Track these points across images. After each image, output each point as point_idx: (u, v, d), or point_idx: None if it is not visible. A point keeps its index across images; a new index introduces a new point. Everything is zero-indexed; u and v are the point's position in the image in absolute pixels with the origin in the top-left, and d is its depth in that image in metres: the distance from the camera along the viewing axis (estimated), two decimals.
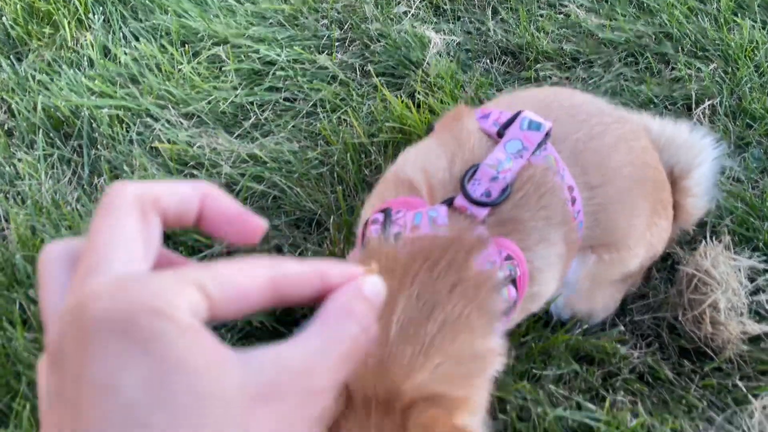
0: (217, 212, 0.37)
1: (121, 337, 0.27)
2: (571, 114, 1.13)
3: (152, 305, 0.28)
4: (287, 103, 1.84)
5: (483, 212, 0.96)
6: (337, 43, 2.00)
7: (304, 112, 1.81)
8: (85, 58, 1.94)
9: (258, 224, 0.38)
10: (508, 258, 0.98)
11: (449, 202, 0.98)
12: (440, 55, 1.94)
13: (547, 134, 1.04)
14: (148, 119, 1.77)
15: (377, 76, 1.88)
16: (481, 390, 0.90)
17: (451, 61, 1.92)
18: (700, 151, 1.33)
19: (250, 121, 1.79)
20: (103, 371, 0.27)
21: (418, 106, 1.76)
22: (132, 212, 0.33)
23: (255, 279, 0.33)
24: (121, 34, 2.01)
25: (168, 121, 1.77)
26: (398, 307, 0.85)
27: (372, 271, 0.37)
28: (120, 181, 0.34)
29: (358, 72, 1.93)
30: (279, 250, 1.49)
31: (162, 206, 0.35)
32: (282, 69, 1.91)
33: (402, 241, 0.93)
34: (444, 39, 2.00)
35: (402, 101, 1.74)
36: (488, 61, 1.97)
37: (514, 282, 0.97)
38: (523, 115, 1.04)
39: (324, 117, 1.77)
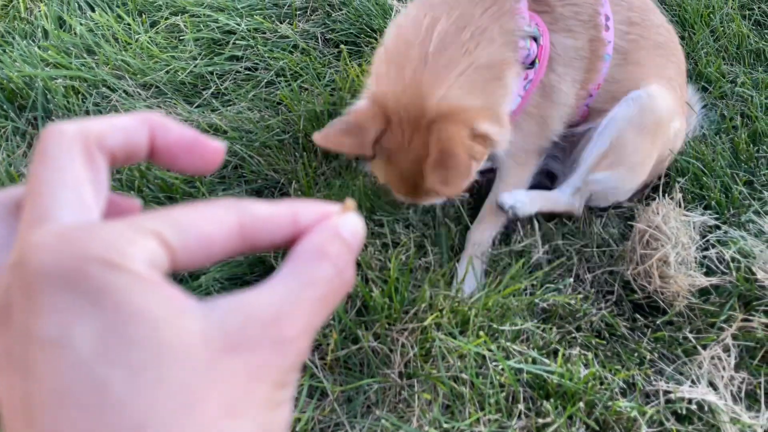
0: (170, 142, 0.34)
1: (70, 290, 0.25)
2: None
3: (103, 256, 0.25)
4: (248, 73, 1.82)
5: None
6: (298, 12, 1.98)
7: (265, 81, 1.79)
8: (39, 29, 1.90)
9: (216, 147, 0.35)
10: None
11: None
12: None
13: None
14: (105, 90, 1.74)
15: (339, 44, 1.87)
16: (498, 97, 1.07)
17: None
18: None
19: (210, 91, 1.77)
20: (52, 326, 0.24)
21: None
22: (75, 154, 0.30)
23: (221, 224, 0.29)
24: (75, 4, 1.96)
25: (125, 92, 1.74)
26: (438, 27, 1.02)
27: (348, 208, 0.34)
28: (56, 121, 0.31)
29: (320, 40, 1.91)
30: None
31: (107, 145, 0.32)
32: (242, 38, 1.88)
33: None
34: (405, 6, 1.99)
35: (363, 70, 1.74)
36: None
37: (537, 42, 1.11)
38: None
39: (285, 86, 1.76)
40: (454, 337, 1.22)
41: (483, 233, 1.35)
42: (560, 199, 1.37)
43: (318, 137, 1.09)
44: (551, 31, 1.14)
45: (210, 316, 0.27)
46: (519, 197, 1.34)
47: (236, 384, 0.26)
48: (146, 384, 0.24)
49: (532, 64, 1.12)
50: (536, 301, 1.30)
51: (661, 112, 1.26)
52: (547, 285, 1.35)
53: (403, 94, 1.00)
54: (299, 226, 0.32)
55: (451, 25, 1.03)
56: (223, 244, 0.30)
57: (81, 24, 1.88)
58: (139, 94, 1.74)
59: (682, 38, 1.89)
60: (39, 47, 1.81)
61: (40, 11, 1.93)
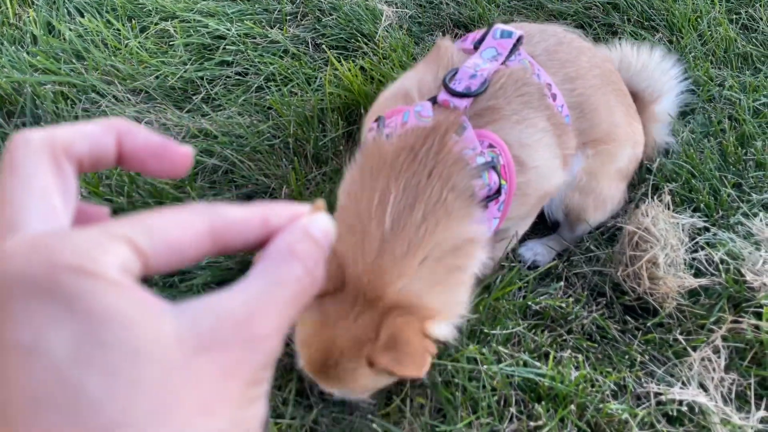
0: (138, 147, 0.35)
1: (43, 297, 0.25)
2: (540, 29, 1.28)
3: (75, 263, 0.25)
4: (238, 78, 1.82)
5: (464, 103, 1.05)
6: (288, 17, 1.99)
7: (256, 86, 1.79)
8: (28, 35, 1.89)
9: (185, 152, 0.35)
10: (491, 146, 1.06)
11: (434, 100, 1.07)
12: (392, 28, 1.94)
13: (519, 41, 1.15)
14: (94, 95, 1.73)
15: (330, 49, 1.87)
16: (460, 292, 1.00)
17: (404, 33, 1.92)
18: (669, 78, 1.49)
19: (200, 96, 1.76)
20: (26, 333, 0.25)
21: (371, 78, 1.76)
22: (42, 162, 0.30)
23: (191, 229, 0.30)
24: (65, 9, 1.95)
25: (115, 97, 1.73)
26: (390, 201, 0.94)
27: (319, 208, 0.35)
28: (23, 130, 0.31)
29: (310, 45, 1.91)
30: None
31: (74, 152, 0.32)
32: (233, 43, 1.88)
33: (390, 139, 1.02)
34: (396, 12, 2.00)
35: (354, 75, 1.74)
36: (441, 33, 1.97)
37: (496, 169, 1.04)
38: (495, 27, 1.16)
39: (275, 90, 1.76)
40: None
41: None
42: (565, 237, 1.47)
43: None
44: (507, 134, 1.07)
45: (182, 318, 0.27)
46: (537, 250, 1.45)
47: (210, 382, 0.27)
48: (121, 385, 0.24)
49: (499, 190, 1.05)
50: (528, 303, 1.30)
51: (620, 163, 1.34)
52: (538, 290, 1.35)
53: (363, 272, 0.92)
54: (270, 227, 0.32)
55: (400, 201, 0.95)
56: (194, 247, 0.30)
57: (70, 29, 1.88)
58: (129, 100, 1.74)
59: (669, 42, 1.91)
60: (28, 53, 1.80)
61: (28, 17, 1.92)
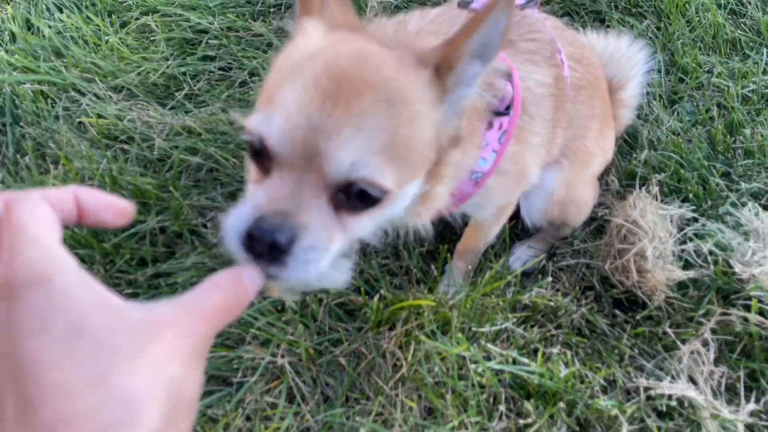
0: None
1: (41, 295, 0.40)
2: (543, 17, 1.23)
3: (43, 270, 0.41)
4: (221, 72, 1.79)
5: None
6: (272, 9, 1.95)
7: (239, 81, 1.76)
8: (6, 33, 1.85)
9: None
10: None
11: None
12: (379, 17, 1.90)
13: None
14: (74, 94, 1.70)
15: None
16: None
17: None
18: (635, 63, 1.46)
19: (183, 92, 1.73)
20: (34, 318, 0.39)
21: None
22: (39, 209, 0.46)
23: (65, 195, 0.49)
24: (43, 5, 1.91)
25: (96, 95, 1.70)
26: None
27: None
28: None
29: None
30: (217, 223, 1.46)
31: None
32: (215, 37, 1.85)
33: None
34: (381, 2, 1.96)
35: None
36: None
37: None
38: None
39: (260, 86, 1.73)
40: (436, 338, 1.21)
41: (464, 266, 1.35)
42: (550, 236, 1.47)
43: None
44: (517, 67, 1.04)
45: (143, 308, 0.43)
46: (524, 258, 1.45)
47: (166, 343, 0.42)
48: (107, 353, 0.39)
49: (507, 109, 0.99)
50: (518, 297, 1.29)
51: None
52: (527, 285, 1.34)
53: None
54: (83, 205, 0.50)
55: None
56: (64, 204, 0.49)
57: (49, 26, 1.84)
58: (110, 97, 1.71)
59: (657, 29, 1.89)
60: (6, 51, 1.77)
61: (6, 14, 1.88)
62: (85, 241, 1.36)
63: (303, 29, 0.80)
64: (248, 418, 1.17)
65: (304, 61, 0.73)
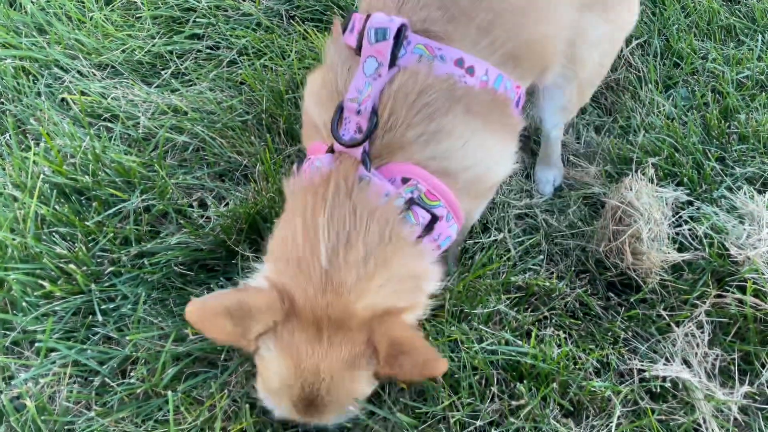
0: None
1: None
2: None
3: None
4: (209, 51, 1.75)
5: (359, 151, 0.98)
6: None
7: (227, 60, 1.72)
8: None
9: None
10: (405, 181, 0.99)
11: (332, 149, 1.02)
12: None
13: (402, 30, 0.99)
14: (57, 70, 1.65)
15: (305, 22, 1.81)
16: (420, 299, 1.01)
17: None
18: None
19: (170, 71, 1.69)
20: None
21: None
22: None
23: None
24: None
25: (79, 72, 1.66)
26: (320, 234, 0.93)
27: None
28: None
29: (284, 18, 1.84)
30: (203, 204, 1.43)
31: None
32: (203, 16, 1.80)
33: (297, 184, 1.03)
34: None
35: None
36: None
37: (422, 201, 1.00)
38: (369, 25, 1.00)
39: (248, 65, 1.69)
40: (428, 321, 1.18)
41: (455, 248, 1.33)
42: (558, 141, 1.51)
43: (192, 309, 0.91)
44: (420, 153, 1.00)
45: None
46: (549, 177, 1.53)
47: None
48: None
49: (434, 218, 1.00)
50: (511, 278, 1.27)
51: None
52: (520, 265, 1.32)
53: (317, 300, 0.92)
54: None
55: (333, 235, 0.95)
56: None
57: (32, 2, 1.79)
58: (94, 75, 1.66)
59: (652, 14, 1.87)
60: None
61: None
62: (67, 219, 1.32)
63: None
64: (234, 401, 1.15)
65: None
